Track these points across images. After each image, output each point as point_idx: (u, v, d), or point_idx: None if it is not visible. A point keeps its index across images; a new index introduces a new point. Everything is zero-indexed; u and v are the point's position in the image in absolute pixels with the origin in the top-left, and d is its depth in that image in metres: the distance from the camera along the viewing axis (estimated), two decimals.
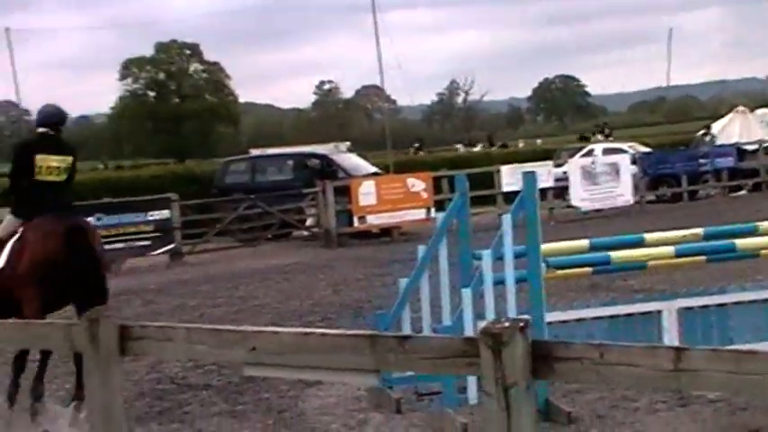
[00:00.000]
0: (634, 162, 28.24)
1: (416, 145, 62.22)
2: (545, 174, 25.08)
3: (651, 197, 28.85)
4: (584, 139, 55.55)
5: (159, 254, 22.03)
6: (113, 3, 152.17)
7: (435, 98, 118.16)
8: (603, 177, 26.39)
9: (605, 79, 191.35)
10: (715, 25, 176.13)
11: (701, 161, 29.48)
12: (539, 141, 62.51)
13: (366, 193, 24.20)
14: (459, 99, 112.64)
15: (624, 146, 34.93)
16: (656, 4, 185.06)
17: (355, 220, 24.30)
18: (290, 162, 29.32)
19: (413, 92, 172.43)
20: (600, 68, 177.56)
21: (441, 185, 25.26)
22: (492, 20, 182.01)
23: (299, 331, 4.04)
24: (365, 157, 33.21)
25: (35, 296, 8.25)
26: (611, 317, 8.32)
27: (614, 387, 7.05)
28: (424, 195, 24.65)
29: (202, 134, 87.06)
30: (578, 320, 8.26)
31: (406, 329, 7.99)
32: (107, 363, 4.24)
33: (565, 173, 27.12)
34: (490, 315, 7.22)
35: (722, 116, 36.70)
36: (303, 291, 15.91)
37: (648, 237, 8.77)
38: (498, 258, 7.46)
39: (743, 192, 29.68)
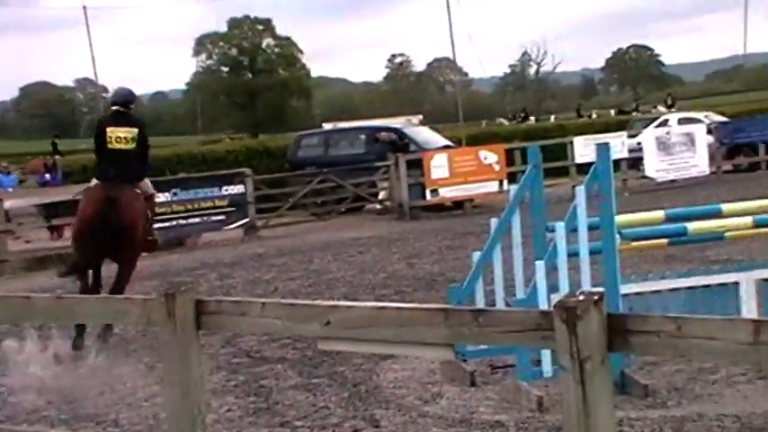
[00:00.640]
0: (709, 132, 27.84)
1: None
2: (619, 145, 24.89)
3: (728, 167, 28.42)
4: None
5: (234, 228, 22.24)
6: None
7: (507, 70, 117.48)
8: (678, 147, 26.09)
9: (680, 48, 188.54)
10: None
11: None
12: (612, 112, 61.89)
13: (438, 165, 24.17)
14: (532, 71, 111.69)
15: (700, 115, 34.44)
16: None
17: (428, 193, 24.29)
18: (363, 136, 29.35)
19: (484, 64, 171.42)
20: (674, 36, 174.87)
21: (513, 158, 25.13)
22: None
23: (373, 305, 4.03)
24: (437, 130, 33.13)
25: (77, 248, 10.67)
26: (688, 288, 8.20)
27: (691, 360, 6.97)
28: (497, 168, 24.56)
29: (275, 109, 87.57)
30: (654, 292, 8.15)
31: (480, 302, 7.97)
32: (184, 338, 4.28)
33: (639, 144, 26.86)
34: (564, 288, 7.18)
35: None
36: (376, 264, 15.95)
37: (726, 207, 8.63)
38: (572, 230, 7.40)
39: None
